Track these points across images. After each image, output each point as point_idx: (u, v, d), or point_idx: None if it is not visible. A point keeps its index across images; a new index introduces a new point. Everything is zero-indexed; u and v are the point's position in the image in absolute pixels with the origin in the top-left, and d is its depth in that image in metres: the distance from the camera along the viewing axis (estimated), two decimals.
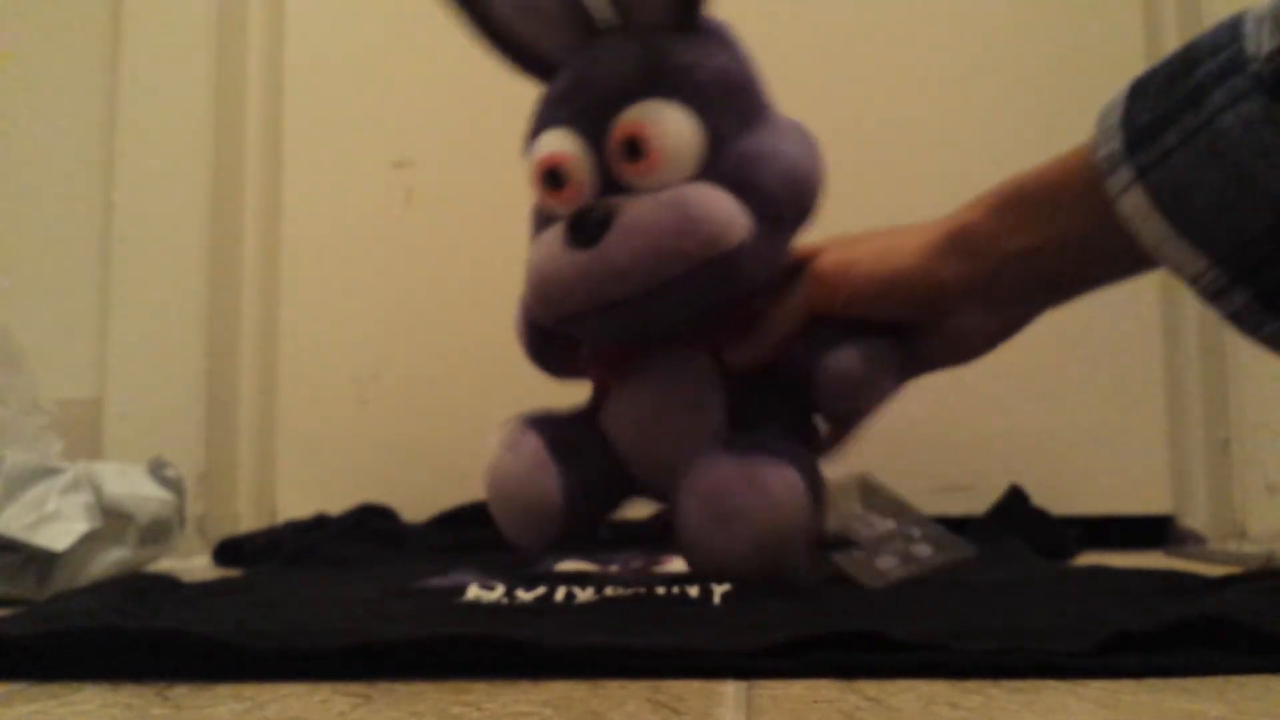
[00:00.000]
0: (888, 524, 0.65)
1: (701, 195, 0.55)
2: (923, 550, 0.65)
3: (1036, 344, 1.00)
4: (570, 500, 0.60)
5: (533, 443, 0.61)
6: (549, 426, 0.62)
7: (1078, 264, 0.49)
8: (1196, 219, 0.40)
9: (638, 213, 0.54)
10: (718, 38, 0.59)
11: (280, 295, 1.08)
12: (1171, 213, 0.41)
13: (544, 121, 0.60)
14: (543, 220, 0.61)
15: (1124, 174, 0.42)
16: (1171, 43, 1.00)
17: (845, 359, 0.57)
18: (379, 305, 1.07)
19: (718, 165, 0.56)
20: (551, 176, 0.58)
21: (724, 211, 0.54)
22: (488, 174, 1.06)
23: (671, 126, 0.56)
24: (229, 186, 1.07)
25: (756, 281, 0.57)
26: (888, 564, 0.62)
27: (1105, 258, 0.46)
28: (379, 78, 1.09)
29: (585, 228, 0.55)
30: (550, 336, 0.64)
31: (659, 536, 0.64)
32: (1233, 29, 0.41)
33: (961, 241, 0.52)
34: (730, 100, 0.58)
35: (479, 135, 1.06)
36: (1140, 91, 0.43)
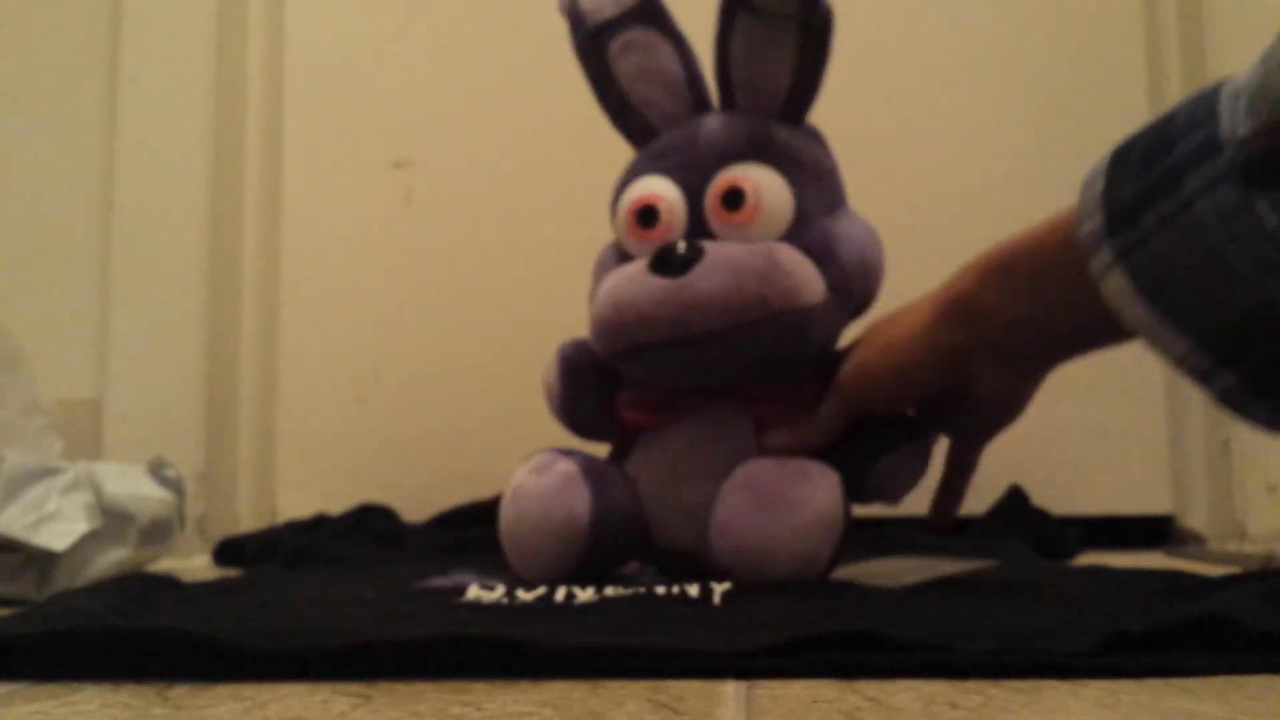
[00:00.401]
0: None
1: (789, 251, 0.59)
2: (942, 562, 0.67)
3: None
4: (597, 525, 0.59)
5: (564, 465, 0.61)
6: (581, 456, 0.62)
7: (1078, 328, 0.49)
8: (1176, 303, 0.40)
9: (728, 252, 0.58)
10: (815, 135, 0.65)
11: (280, 295, 1.08)
12: (1151, 297, 0.40)
13: (640, 170, 0.64)
14: (618, 259, 0.64)
15: (1106, 255, 0.42)
16: (1173, 48, 1.00)
17: (886, 467, 0.61)
18: (379, 305, 1.07)
19: (801, 236, 0.61)
20: (645, 214, 0.62)
21: (807, 271, 0.59)
22: (488, 174, 1.07)
23: (769, 187, 0.61)
24: (229, 187, 1.07)
25: (816, 350, 0.61)
26: (904, 567, 0.65)
27: (1103, 323, 0.45)
28: (379, 78, 1.09)
29: (673, 259, 0.58)
30: (587, 386, 0.66)
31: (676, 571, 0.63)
32: (1209, 104, 0.40)
33: (958, 313, 0.53)
34: (820, 184, 0.63)
35: (479, 135, 1.07)
36: (1120, 161, 0.43)
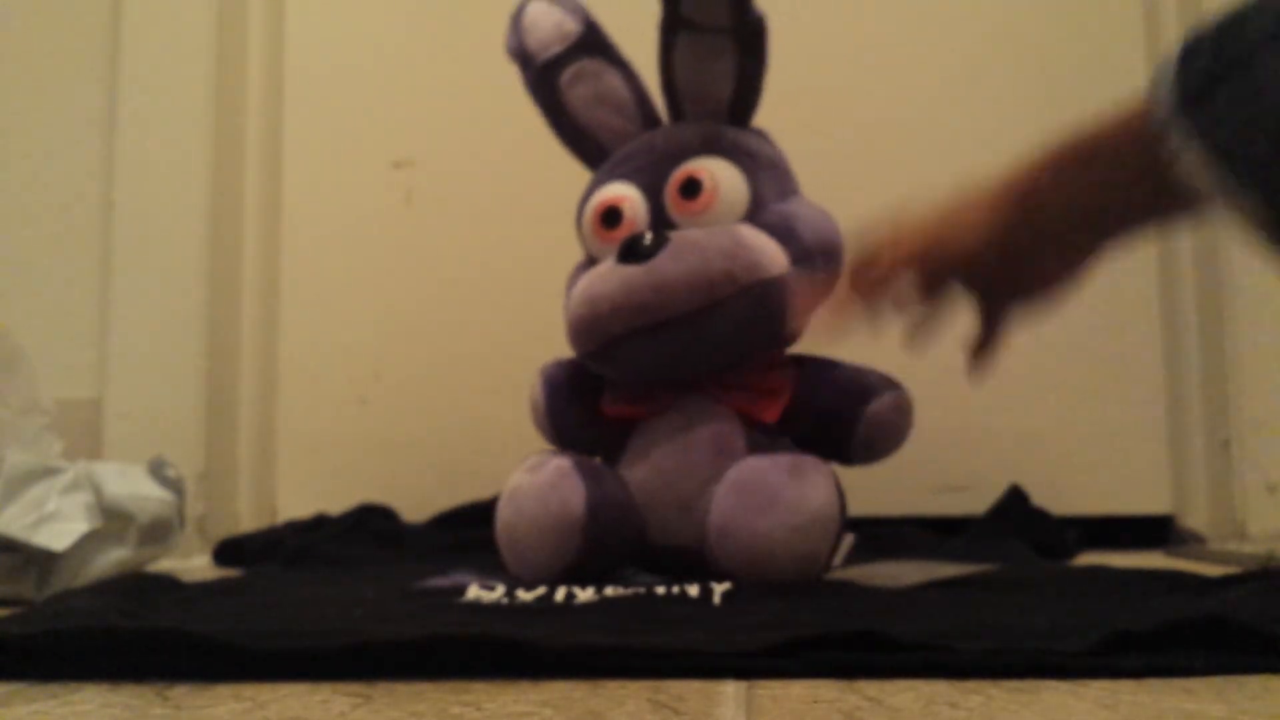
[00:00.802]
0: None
1: (750, 230, 0.63)
2: (940, 565, 0.68)
3: (1036, 344, 1.00)
4: (592, 516, 0.60)
5: (557, 461, 0.63)
6: (574, 454, 0.64)
7: (1145, 207, 0.50)
8: (1251, 170, 0.42)
9: (691, 236, 0.61)
10: (762, 133, 0.68)
11: (280, 295, 1.08)
12: (1228, 166, 0.42)
13: (601, 179, 0.68)
14: (587, 264, 0.66)
15: (1181, 130, 0.44)
16: (1173, 37, 1.00)
17: (882, 407, 0.65)
18: (379, 305, 1.07)
19: (759, 219, 0.64)
20: (609, 215, 0.65)
21: (769, 245, 0.62)
22: (488, 174, 1.07)
23: (725, 175, 0.64)
24: (229, 186, 1.06)
25: (786, 325, 0.63)
26: (903, 570, 0.66)
27: (1170, 201, 0.48)
28: (379, 78, 1.09)
29: (639, 248, 0.61)
30: (570, 398, 0.68)
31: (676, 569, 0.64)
32: None
33: (1028, 206, 0.53)
34: (771, 173, 0.67)
35: (479, 135, 1.06)
36: (1193, 52, 0.45)
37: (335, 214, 1.08)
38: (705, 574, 0.59)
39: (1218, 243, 0.97)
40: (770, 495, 0.58)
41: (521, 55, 0.70)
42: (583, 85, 0.69)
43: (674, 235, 0.61)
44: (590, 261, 0.67)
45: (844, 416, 0.64)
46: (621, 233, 0.64)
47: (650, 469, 0.64)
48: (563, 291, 0.69)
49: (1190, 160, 0.44)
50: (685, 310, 0.59)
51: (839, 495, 0.60)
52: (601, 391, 0.68)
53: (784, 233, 0.63)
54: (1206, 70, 0.43)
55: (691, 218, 0.63)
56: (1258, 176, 0.42)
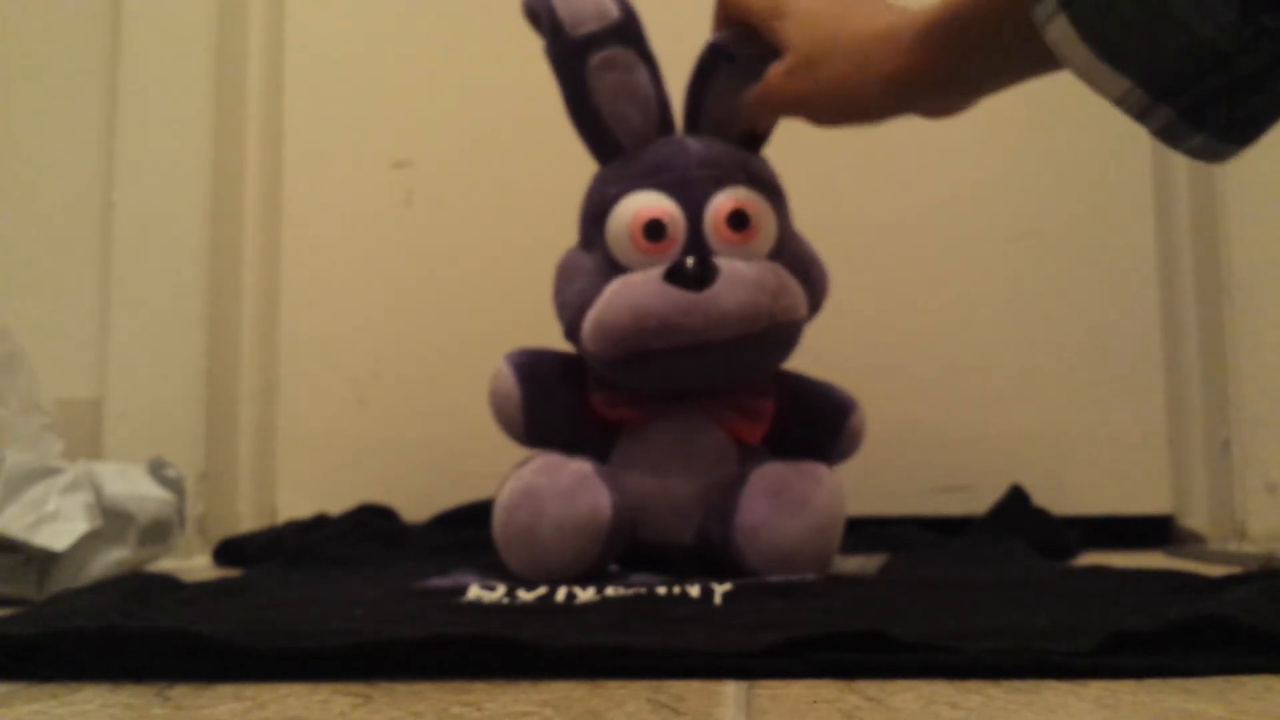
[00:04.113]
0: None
1: (784, 271, 0.65)
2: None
3: (1036, 344, 1.00)
4: (617, 520, 0.63)
5: (577, 464, 0.63)
6: (583, 458, 0.65)
7: (1018, 71, 0.53)
8: (1116, 46, 0.42)
9: (743, 271, 0.63)
10: (767, 161, 0.70)
11: (280, 295, 1.08)
12: (1092, 41, 0.43)
13: (631, 185, 0.67)
14: (605, 267, 0.66)
15: (1049, 4, 0.44)
16: None
17: (858, 418, 0.71)
18: (379, 305, 1.07)
19: (783, 256, 0.67)
20: (653, 228, 0.65)
21: (799, 290, 0.65)
22: (488, 174, 1.07)
23: (763, 210, 0.66)
24: (229, 186, 1.06)
25: (787, 356, 0.67)
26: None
27: (1041, 65, 0.50)
28: (379, 78, 1.09)
29: (690, 274, 0.62)
30: (549, 392, 0.69)
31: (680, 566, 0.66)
32: None
33: (913, 81, 0.55)
34: (785, 208, 0.69)
35: (479, 135, 1.06)
36: None
37: (335, 214, 1.08)
38: (692, 570, 0.64)
39: (1218, 243, 0.97)
40: (800, 498, 0.63)
41: (549, 21, 0.66)
42: (613, 73, 0.67)
43: (723, 265, 0.63)
44: (610, 262, 0.66)
45: (828, 431, 0.70)
46: (665, 247, 0.65)
47: (646, 471, 0.66)
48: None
49: (1058, 33, 0.44)
50: (730, 336, 0.62)
51: (843, 497, 0.66)
52: (583, 389, 0.68)
53: (804, 276, 0.67)
54: None
55: (733, 247, 0.65)
56: (1118, 53, 0.42)
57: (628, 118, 0.68)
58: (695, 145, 0.67)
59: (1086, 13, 0.42)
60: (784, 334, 0.65)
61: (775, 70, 0.61)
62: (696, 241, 0.65)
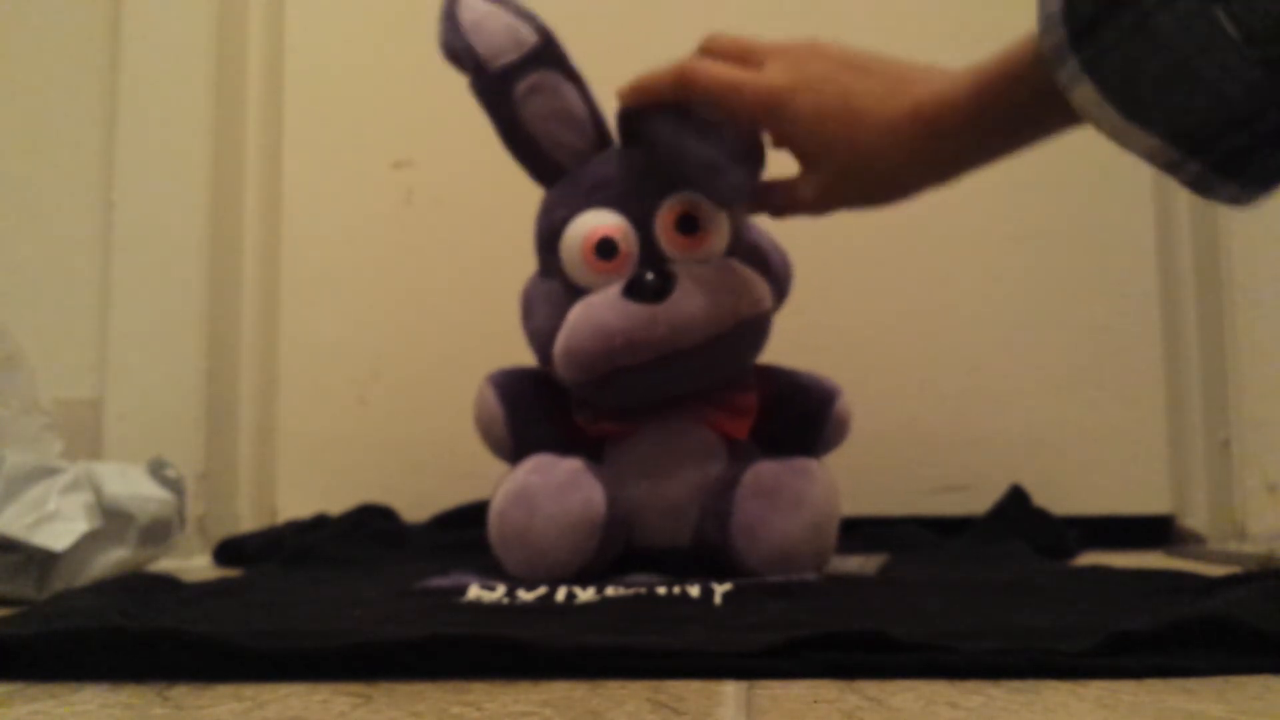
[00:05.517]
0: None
1: (744, 267, 0.65)
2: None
3: (1036, 344, 1.00)
4: (611, 515, 0.62)
5: (569, 462, 0.64)
6: (576, 457, 0.65)
7: (1038, 136, 0.54)
8: (1145, 107, 0.43)
9: (700, 274, 0.63)
10: None
11: (280, 295, 1.08)
12: (1120, 103, 0.43)
13: (577, 206, 0.66)
14: (564, 292, 0.65)
15: (1072, 67, 0.44)
16: None
17: (842, 405, 0.71)
18: (379, 305, 1.07)
19: (739, 252, 0.66)
20: (605, 246, 0.65)
21: (759, 281, 0.65)
22: (488, 174, 1.06)
23: (713, 209, 0.65)
24: (229, 186, 1.06)
25: (760, 349, 0.67)
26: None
27: (1062, 126, 0.51)
28: (379, 78, 1.09)
29: (648, 287, 0.62)
30: (533, 410, 0.69)
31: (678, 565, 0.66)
32: None
33: (935, 139, 0.55)
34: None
35: (479, 135, 1.05)
36: None
37: (335, 214, 1.08)
38: (688, 572, 0.64)
39: (1218, 243, 0.97)
40: (794, 496, 0.62)
41: (470, 58, 0.66)
42: (540, 98, 0.67)
43: (681, 273, 0.62)
44: (568, 286, 0.66)
45: (813, 420, 0.70)
46: (619, 264, 0.64)
47: (636, 477, 0.66)
48: None
49: (1083, 97, 0.44)
50: (697, 342, 0.62)
51: (837, 493, 0.65)
52: (565, 405, 0.69)
53: (762, 266, 0.67)
54: (1093, 4, 0.43)
55: (687, 253, 0.65)
56: (1147, 113, 0.43)
57: (563, 139, 0.68)
58: (639, 157, 0.67)
59: (1111, 76, 0.43)
60: (752, 329, 0.65)
61: (802, 190, 0.60)
62: (650, 253, 0.65)
